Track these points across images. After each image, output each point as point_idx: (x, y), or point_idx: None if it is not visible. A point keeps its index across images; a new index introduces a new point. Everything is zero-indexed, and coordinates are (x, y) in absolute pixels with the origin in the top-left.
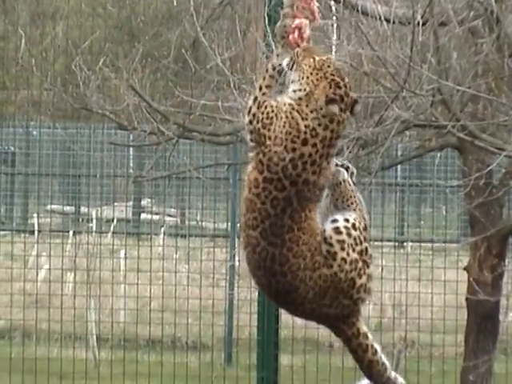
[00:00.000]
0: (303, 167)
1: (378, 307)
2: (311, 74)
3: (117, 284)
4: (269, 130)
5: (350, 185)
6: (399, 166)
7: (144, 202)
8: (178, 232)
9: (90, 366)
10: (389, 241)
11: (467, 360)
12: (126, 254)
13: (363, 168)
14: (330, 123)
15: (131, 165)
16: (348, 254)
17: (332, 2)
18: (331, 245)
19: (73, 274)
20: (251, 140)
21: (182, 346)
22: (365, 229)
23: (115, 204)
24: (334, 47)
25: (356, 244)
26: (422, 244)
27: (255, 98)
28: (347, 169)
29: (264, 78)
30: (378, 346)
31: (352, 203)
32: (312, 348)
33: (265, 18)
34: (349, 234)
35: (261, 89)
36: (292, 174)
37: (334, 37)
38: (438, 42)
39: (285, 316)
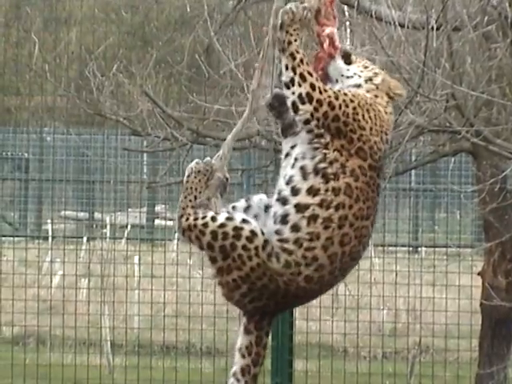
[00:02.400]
0: (384, 156)
1: (392, 312)
2: (366, 68)
3: (131, 290)
4: (355, 118)
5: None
6: (413, 171)
7: (158, 208)
8: None
9: (105, 373)
10: (403, 246)
11: (482, 365)
12: (139, 259)
13: None
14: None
15: (145, 171)
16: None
17: (346, 7)
18: None
19: (87, 280)
20: (317, 126)
21: (196, 351)
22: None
23: (129, 210)
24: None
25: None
26: (437, 249)
27: (312, 85)
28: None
29: (307, 64)
30: None
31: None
32: (326, 353)
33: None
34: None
35: (311, 75)
36: (382, 164)
37: (348, 42)
38: (452, 47)
39: (299, 321)
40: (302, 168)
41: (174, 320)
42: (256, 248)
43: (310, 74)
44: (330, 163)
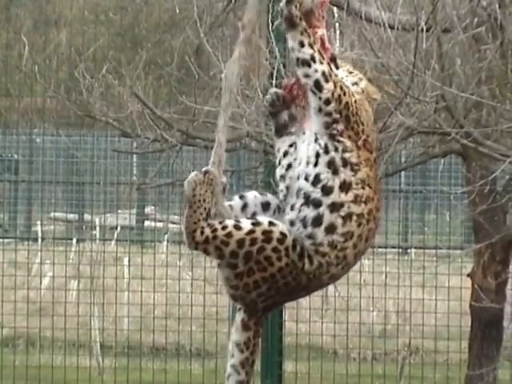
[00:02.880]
0: None
1: (382, 314)
2: (350, 73)
3: (120, 291)
4: (357, 112)
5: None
6: (403, 173)
7: (147, 210)
8: (182, 239)
9: (94, 374)
10: (393, 247)
11: (471, 366)
12: (129, 261)
13: None
14: None
15: (135, 172)
16: None
17: (335, 9)
18: None
19: (76, 281)
20: (335, 110)
21: (185, 353)
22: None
23: (119, 211)
24: (336, 54)
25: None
26: (426, 250)
27: (329, 65)
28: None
29: (321, 54)
30: None
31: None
32: (316, 355)
33: (268, 24)
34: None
35: (322, 62)
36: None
37: (337, 43)
38: (442, 48)
39: (289, 323)
40: (330, 162)
41: (164, 321)
42: (286, 249)
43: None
44: (351, 152)
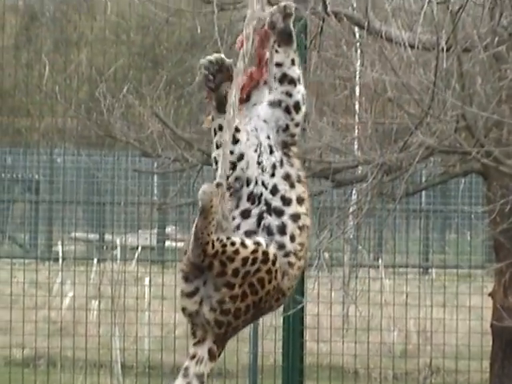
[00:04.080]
0: None
1: (402, 333)
2: None
3: (141, 311)
4: None
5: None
6: (424, 192)
7: (168, 229)
8: None
9: None
10: (413, 267)
11: None
12: (150, 281)
13: (387, 194)
14: None
15: (155, 192)
16: None
17: (356, 28)
18: None
19: (97, 301)
20: (297, 134)
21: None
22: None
23: (139, 231)
24: (358, 73)
25: None
26: (447, 270)
27: (304, 97)
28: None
29: None
30: None
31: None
32: (337, 375)
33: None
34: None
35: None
36: None
37: (358, 63)
38: (462, 67)
39: (310, 343)
40: (287, 176)
41: (185, 341)
42: (276, 270)
43: None
44: (302, 171)
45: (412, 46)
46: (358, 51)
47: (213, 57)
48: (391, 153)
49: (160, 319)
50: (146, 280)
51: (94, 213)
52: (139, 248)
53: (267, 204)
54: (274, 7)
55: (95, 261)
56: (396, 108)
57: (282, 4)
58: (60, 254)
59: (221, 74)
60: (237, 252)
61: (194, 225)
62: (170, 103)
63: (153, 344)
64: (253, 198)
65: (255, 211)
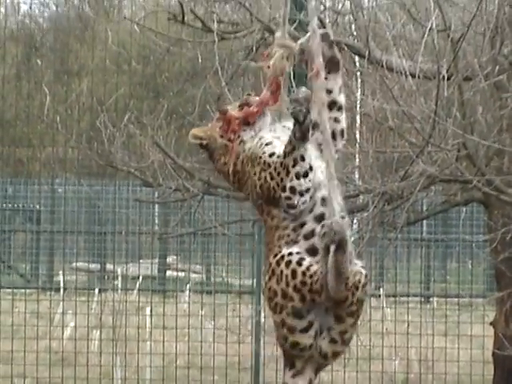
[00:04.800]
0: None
1: (404, 362)
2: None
3: (142, 341)
4: None
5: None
6: (425, 221)
7: (169, 259)
8: (204, 288)
9: None
10: (415, 296)
11: None
12: (151, 310)
13: (389, 223)
14: None
15: (156, 221)
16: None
17: (356, 58)
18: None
19: (98, 331)
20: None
21: None
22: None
23: (141, 261)
24: (358, 102)
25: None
26: (448, 299)
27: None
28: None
29: None
30: None
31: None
32: None
33: (289, 72)
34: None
35: None
36: None
37: (359, 92)
38: (463, 96)
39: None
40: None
41: (186, 371)
42: None
43: None
44: None
45: (413, 75)
46: (359, 80)
47: (305, 93)
48: (392, 182)
49: (161, 349)
50: (147, 310)
51: (95, 242)
52: (140, 278)
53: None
54: (305, 37)
55: (96, 291)
56: (397, 137)
57: (322, 31)
58: (61, 284)
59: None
60: (360, 281)
61: (333, 260)
62: (171, 133)
63: (154, 374)
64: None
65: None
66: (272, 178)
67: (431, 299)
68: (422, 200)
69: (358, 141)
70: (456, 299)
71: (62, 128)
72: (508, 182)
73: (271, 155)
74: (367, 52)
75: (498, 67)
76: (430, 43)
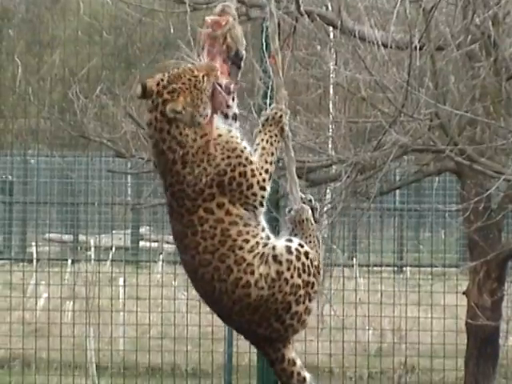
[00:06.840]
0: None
1: (377, 332)
2: None
3: (116, 312)
4: None
5: (311, 224)
6: (397, 191)
7: (142, 230)
8: (177, 259)
9: None
10: (388, 266)
11: None
12: (124, 281)
13: (361, 193)
14: None
15: (129, 192)
16: (292, 277)
17: (329, 28)
18: (280, 263)
19: (72, 302)
20: None
21: (181, 373)
22: (317, 269)
23: (113, 232)
24: (331, 72)
25: (304, 272)
26: (421, 269)
27: None
28: (312, 206)
29: None
30: (307, 375)
31: (310, 241)
32: (312, 374)
33: (262, 44)
34: (298, 258)
35: None
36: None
37: (332, 62)
38: (436, 66)
39: None
40: None
41: (160, 342)
42: None
43: None
44: None
45: (385, 45)
46: (332, 50)
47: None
48: (365, 152)
49: (134, 320)
50: (121, 280)
51: (68, 213)
52: (113, 248)
53: None
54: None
55: (69, 262)
56: (370, 107)
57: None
58: (34, 255)
59: None
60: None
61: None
62: (144, 103)
63: (127, 344)
64: None
65: None
66: (253, 176)
67: (404, 269)
68: (394, 170)
69: (331, 111)
70: (429, 269)
71: (35, 99)
72: (480, 151)
73: (251, 153)
74: (339, 22)
75: (470, 37)
76: (402, 13)
